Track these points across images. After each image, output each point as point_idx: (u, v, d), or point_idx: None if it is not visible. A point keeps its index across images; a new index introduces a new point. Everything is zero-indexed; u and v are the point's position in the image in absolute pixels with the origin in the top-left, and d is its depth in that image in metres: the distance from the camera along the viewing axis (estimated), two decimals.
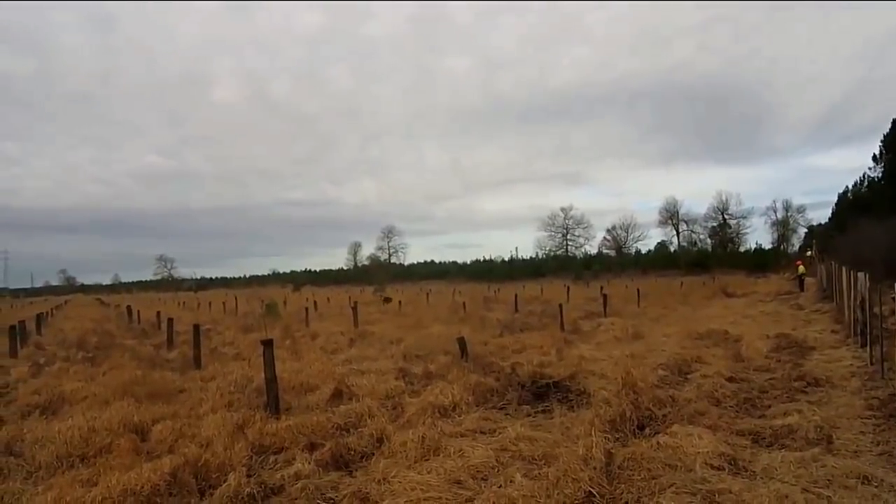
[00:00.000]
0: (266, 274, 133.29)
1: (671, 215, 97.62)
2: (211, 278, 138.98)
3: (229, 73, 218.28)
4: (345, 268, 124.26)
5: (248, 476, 6.30)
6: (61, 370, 13.74)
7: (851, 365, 11.29)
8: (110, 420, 8.28)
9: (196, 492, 6.07)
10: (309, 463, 6.56)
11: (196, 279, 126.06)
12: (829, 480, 5.67)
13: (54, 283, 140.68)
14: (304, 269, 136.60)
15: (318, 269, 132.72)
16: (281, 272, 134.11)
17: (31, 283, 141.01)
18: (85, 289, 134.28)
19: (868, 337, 11.57)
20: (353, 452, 6.93)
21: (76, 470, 6.76)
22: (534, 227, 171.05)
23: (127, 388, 10.65)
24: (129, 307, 34.95)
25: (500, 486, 5.64)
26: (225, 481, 6.11)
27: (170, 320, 20.11)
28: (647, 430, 7.32)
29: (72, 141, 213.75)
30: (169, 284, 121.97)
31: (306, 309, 30.16)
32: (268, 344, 9.07)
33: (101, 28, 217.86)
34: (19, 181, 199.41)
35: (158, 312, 27.73)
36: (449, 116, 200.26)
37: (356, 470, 6.55)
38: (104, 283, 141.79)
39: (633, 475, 5.82)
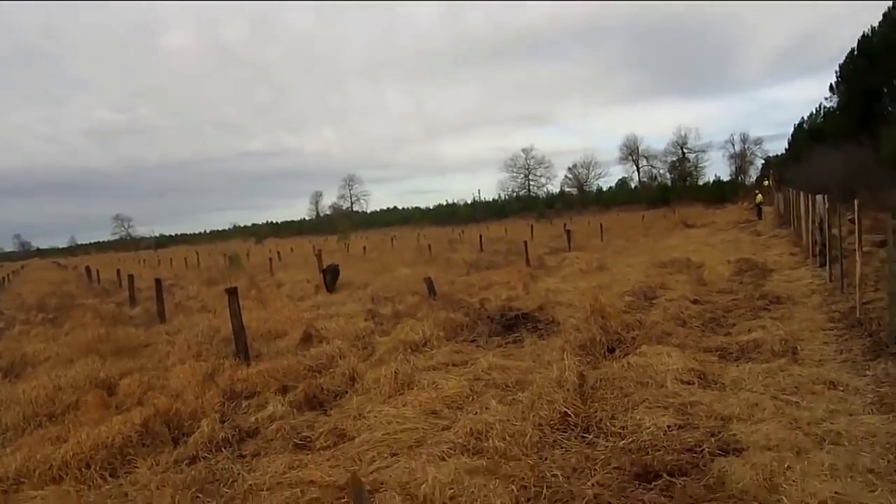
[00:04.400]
0: (227, 228, 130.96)
1: (631, 152, 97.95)
2: (171, 235, 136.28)
3: (179, 18, 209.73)
4: (307, 218, 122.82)
5: (222, 422, 6.25)
6: (22, 333, 13.44)
7: (811, 283, 11.58)
8: (76, 378, 8.12)
9: (169, 440, 5.99)
10: (282, 405, 6.53)
11: (155, 237, 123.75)
12: (796, 388, 5.83)
13: (8, 248, 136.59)
14: (265, 222, 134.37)
15: (279, 221, 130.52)
16: (242, 225, 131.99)
17: None
18: (41, 253, 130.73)
19: (827, 256, 11.84)
20: (326, 392, 6.90)
21: (44, 428, 6.63)
22: (497, 169, 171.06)
23: (91, 346, 10.46)
24: (87, 268, 34.13)
25: (476, 413, 5.69)
26: (198, 428, 6.05)
27: (130, 277, 19.67)
28: (616, 352, 7.43)
29: (16, 99, 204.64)
30: (128, 244, 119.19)
31: (270, 259, 29.81)
32: (233, 292, 8.92)
33: None
34: None
35: (118, 271, 27.11)
36: (412, 60, 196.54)
37: (331, 409, 6.53)
38: (60, 247, 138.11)
39: (606, 394, 5.91)
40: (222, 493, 4.82)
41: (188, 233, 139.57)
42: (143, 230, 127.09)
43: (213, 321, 11.35)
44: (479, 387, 6.53)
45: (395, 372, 6.89)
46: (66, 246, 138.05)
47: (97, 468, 5.42)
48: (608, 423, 5.24)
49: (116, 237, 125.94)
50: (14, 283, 37.50)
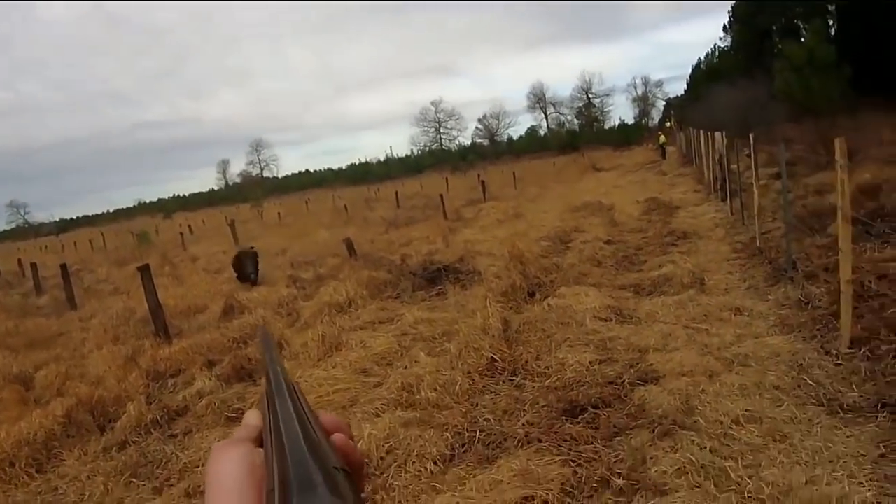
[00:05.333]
0: (132, 206, 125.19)
1: (538, 99, 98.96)
2: (72, 218, 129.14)
3: None
4: (216, 188, 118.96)
5: (149, 403, 6.13)
6: None
7: (714, 217, 12.18)
8: None
9: (96, 429, 5.83)
10: (210, 380, 6.45)
11: (56, 221, 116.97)
12: (705, 316, 6.21)
13: None
14: (172, 195, 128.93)
15: (188, 194, 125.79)
16: (148, 201, 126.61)
17: None
18: None
19: (728, 191, 12.43)
20: (254, 363, 6.83)
21: None
22: (408, 124, 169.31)
23: None
24: None
25: (406, 367, 5.79)
26: (124, 413, 5.91)
27: (33, 266, 18.64)
28: (537, 296, 7.66)
29: None
30: (26, 231, 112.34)
31: (181, 234, 28.88)
32: (145, 270, 8.62)
33: None
34: None
35: (20, 260, 25.67)
36: (313, 13, 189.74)
37: (260, 378, 6.47)
38: None
39: (530, 337, 6.11)
40: (156, 475, 4.78)
41: (91, 214, 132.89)
42: (41, 216, 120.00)
43: (127, 302, 10.98)
44: (407, 341, 6.64)
45: (322, 335, 6.90)
46: None
47: (22, 466, 5.25)
48: (534, 365, 5.45)
49: (13, 225, 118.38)
50: None
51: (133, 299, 10.93)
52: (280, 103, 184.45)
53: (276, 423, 0.50)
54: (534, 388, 5.03)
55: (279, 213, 36.32)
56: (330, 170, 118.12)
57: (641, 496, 3.46)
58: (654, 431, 4.06)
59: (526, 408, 4.66)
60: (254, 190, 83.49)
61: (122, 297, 12.40)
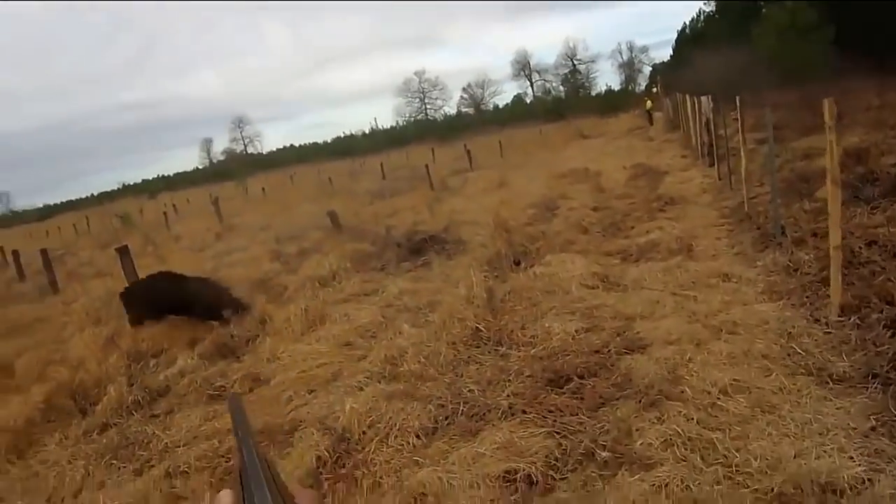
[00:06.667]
0: (116, 189, 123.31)
1: (523, 67, 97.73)
2: (55, 204, 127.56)
3: None
4: (200, 167, 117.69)
5: (130, 385, 6.00)
6: None
7: (702, 183, 12.08)
8: None
9: (77, 412, 5.76)
10: (192, 359, 6.36)
11: (39, 208, 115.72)
12: (693, 283, 6.11)
13: None
14: (157, 176, 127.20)
15: (171, 174, 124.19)
16: (132, 183, 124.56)
17: None
18: None
19: (715, 156, 12.32)
20: (236, 339, 6.74)
21: None
22: (391, 96, 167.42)
23: None
24: None
25: (390, 339, 5.70)
26: (105, 395, 5.81)
27: (15, 252, 18.41)
28: (522, 264, 7.56)
29: None
30: (9, 220, 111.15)
31: (165, 214, 28.56)
32: (123, 251, 8.50)
33: None
34: None
35: (1, 248, 25.34)
36: None
37: (243, 355, 6.39)
38: None
39: (516, 305, 6.02)
40: (138, 456, 4.69)
41: (75, 199, 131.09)
42: (23, 203, 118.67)
43: (110, 284, 10.80)
44: (391, 313, 6.55)
45: (305, 309, 6.79)
46: None
47: (1, 453, 5.18)
48: (519, 334, 5.36)
49: None
50: None
51: (115, 281, 10.74)
52: (260, 79, 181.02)
53: None
54: (519, 357, 4.94)
55: (263, 189, 35.98)
56: (315, 144, 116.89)
57: (627, 469, 3.37)
58: (640, 402, 3.97)
59: (511, 378, 4.57)
60: (238, 167, 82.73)
61: (105, 279, 12.22)
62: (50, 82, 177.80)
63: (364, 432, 4.07)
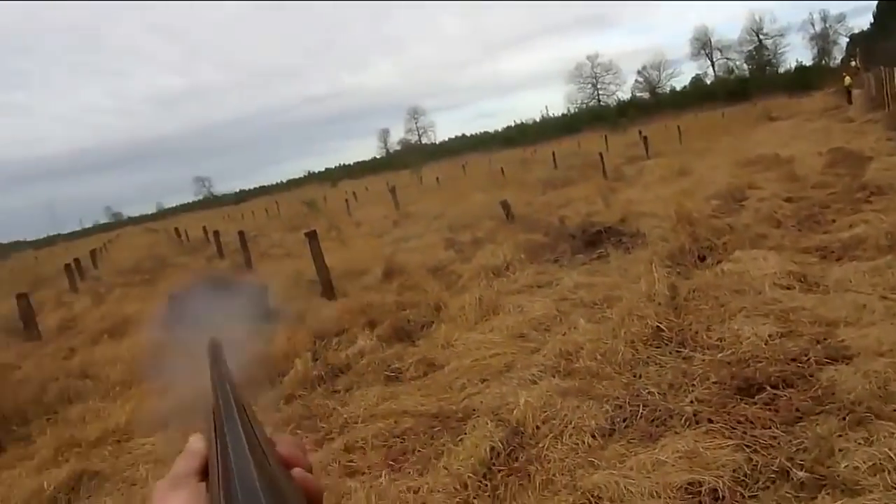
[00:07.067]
0: (302, 176, 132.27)
1: (703, 45, 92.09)
2: (250, 189, 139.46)
3: None
4: (377, 156, 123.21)
5: (314, 360, 6.36)
6: (121, 296, 14.12)
7: None
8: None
9: (266, 381, 6.16)
10: (371, 340, 6.57)
11: (235, 193, 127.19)
12: None
13: (102, 220, 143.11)
14: (338, 165, 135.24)
15: (351, 163, 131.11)
16: (316, 171, 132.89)
17: (81, 225, 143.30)
18: (133, 221, 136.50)
19: None
20: (412, 324, 6.92)
21: (147, 384, 6.95)
22: (563, 81, 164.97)
23: None
24: (176, 229, 35.64)
25: (564, 333, 5.56)
26: (292, 368, 6.20)
27: (216, 233, 20.33)
28: (708, 260, 7.08)
29: (79, 78, 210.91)
30: (211, 203, 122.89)
31: (346, 201, 30.20)
32: (312, 235, 9.07)
33: None
34: (38, 129, 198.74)
35: (204, 228, 28.09)
36: None
37: (418, 339, 6.54)
38: (149, 213, 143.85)
39: (700, 305, 5.64)
40: (319, 428, 4.94)
41: (266, 184, 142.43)
42: (222, 187, 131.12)
43: (297, 264, 11.59)
44: (566, 307, 6.38)
45: (479, 298, 6.82)
46: (154, 212, 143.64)
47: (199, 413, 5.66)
48: (704, 336, 5.00)
49: (199, 198, 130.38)
50: (111, 251, 39.50)
51: (302, 262, 11.50)
52: (434, 69, 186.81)
53: (223, 452, 0.43)
54: (703, 361, 4.60)
55: (437, 178, 36.94)
56: (486, 133, 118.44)
57: (828, 493, 3.00)
58: (844, 419, 3.51)
59: (694, 383, 4.26)
60: (412, 156, 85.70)
61: (294, 260, 13.15)
62: (245, 78, 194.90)
63: (538, 427, 3.99)
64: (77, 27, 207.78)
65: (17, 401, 7.02)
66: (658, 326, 5.16)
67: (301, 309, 8.28)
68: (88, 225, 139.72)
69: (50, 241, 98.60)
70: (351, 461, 4.27)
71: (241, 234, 15.29)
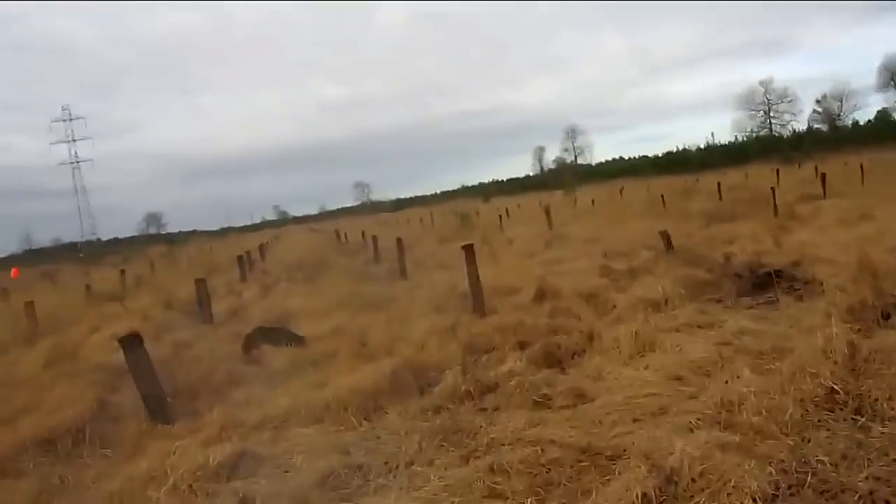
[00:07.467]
0: (455, 189, 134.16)
1: (893, 75, 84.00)
2: (406, 198, 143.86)
3: None
4: (531, 174, 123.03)
5: (464, 374, 6.43)
6: (285, 290, 15.11)
7: None
8: (332, 329, 8.95)
9: (416, 390, 6.36)
10: (520, 361, 6.55)
11: (392, 200, 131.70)
12: None
13: (270, 217, 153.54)
14: (491, 180, 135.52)
15: (504, 179, 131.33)
16: (469, 185, 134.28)
17: (250, 219, 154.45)
18: (297, 220, 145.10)
19: None
20: (563, 350, 6.85)
21: (308, 374, 7.37)
22: (730, 107, 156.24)
23: (343, 300, 11.44)
24: (336, 231, 37.67)
25: (727, 381, 5.28)
26: (442, 379, 6.34)
27: (374, 238, 21.25)
28: (893, 320, 6.46)
29: (258, 85, 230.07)
30: (368, 208, 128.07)
31: (500, 217, 30.46)
32: (469, 249, 9.25)
33: None
34: (221, 130, 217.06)
35: (363, 232, 29.40)
36: None
37: (568, 367, 6.48)
38: (312, 213, 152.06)
39: (883, 369, 5.12)
40: (465, 444, 4.97)
41: (421, 195, 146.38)
42: (380, 194, 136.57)
43: (449, 277, 11.84)
44: (728, 352, 6.04)
45: (635, 332, 6.63)
46: (316, 213, 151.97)
47: (353, 411, 5.94)
48: (885, 405, 4.51)
49: (359, 202, 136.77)
50: (276, 247, 42.38)
51: (454, 274, 11.73)
52: (594, 88, 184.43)
53: None
54: (883, 434, 4.14)
55: (592, 201, 36.37)
56: (645, 157, 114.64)
57: None
58: None
59: (871, 457, 3.86)
60: (567, 176, 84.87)
61: (445, 272, 13.44)
62: (407, 90, 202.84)
63: (693, 480, 3.79)
64: (257, 40, 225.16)
65: (190, 377, 7.70)
66: (832, 388, 4.76)
67: (453, 321, 8.45)
68: (257, 220, 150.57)
69: (223, 233, 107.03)
70: (496, 483, 4.26)
71: (398, 241, 15.91)
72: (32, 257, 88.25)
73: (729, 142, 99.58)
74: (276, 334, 8.88)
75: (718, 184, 29.44)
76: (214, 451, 5.08)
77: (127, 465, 5.37)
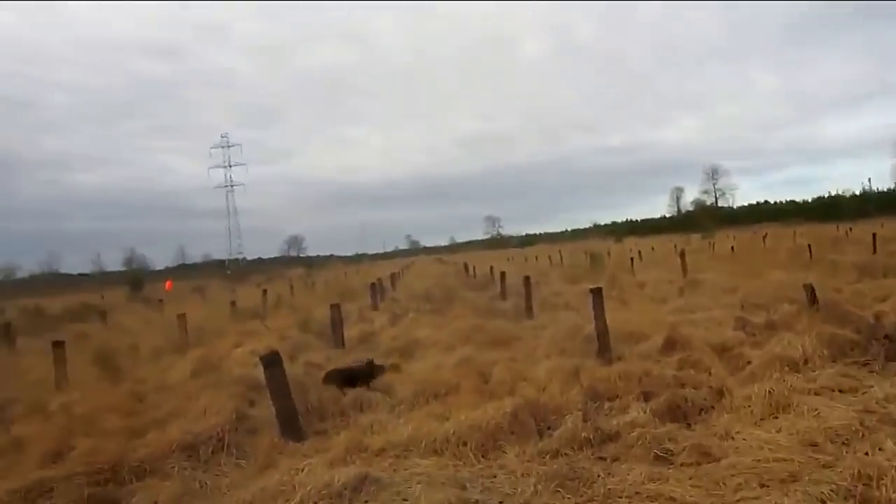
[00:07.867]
0: (587, 227, 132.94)
1: None
2: (535, 234, 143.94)
3: (532, 25, 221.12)
4: (667, 215, 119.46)
5: (584, 420, 6.38)
6: (413, 320, 15.52)
7: None
8: (456, 363, 9.13)
9: (535, 432, 6.35)
10: (644, 412, 6.44)
11: (521, 236, 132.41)
12: None
13: (402, 246, 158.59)
14: (624, 220, 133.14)
15: (638, 219, 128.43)
16: (601, 224, 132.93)
17: (383, 248, 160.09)
18: (427, 250, 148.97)
19: None
20: (690, 404, 6.61)
21: (430, 405, 7.58)
22: (891, 151, 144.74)
23: (468, 334, 11.63)
24: (465, 264, 38.27)
25: (866, 452, 4.93)
26: (562, 424, 6.30)
27: (502, 274, 21.40)
28: None
29: (399, 118, 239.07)
30: (497, 242, 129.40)
31: (631, 259, 29.75)
32: (597, 292, 9.19)
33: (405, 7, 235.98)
34: (364, 160, 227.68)
35: (491, 267, 29.66)
36: (777, 27, 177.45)
37: (694, 423, 6.26)
38: (442, 245, 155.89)
39: None
40: (581, 492, 4.94)
41: (550, 231, 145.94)
42: (510, 229, 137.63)
43: (576, 319, 11.74)
44: (872, 421, 5.62)
45: (769, 391, 6.33)
46: (446, 244, 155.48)
47: (472, 447, 6.04)
48: None
49: (488, 236, 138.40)
50: (406, 276, 43.57)
51: (581, 317, 11.63)
52: (740, 128, 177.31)
53: None
54: None
55: (732, 247, 34.74)
56: (792, 202, 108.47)
57: None
58: None
59: None
60: (706, 220, 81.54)
61: (572, 313, 13.34)
62: (544, 125, 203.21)
63: None
64: (404, 74, 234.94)
65: (321, 398, 8.11)
66: None
67: (576, 365, 8.39)
68: (389, 248, 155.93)
69: (357, 259, 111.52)
70: None
71: (526, 279, 15.97)
72: (185, 271, 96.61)
73: (888, 188, 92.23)
74: (354, 372, 8.89)
75: (874, 235, 27.21)
76: (339, 473, 5.29)
77: (259, 477, 5.77)
